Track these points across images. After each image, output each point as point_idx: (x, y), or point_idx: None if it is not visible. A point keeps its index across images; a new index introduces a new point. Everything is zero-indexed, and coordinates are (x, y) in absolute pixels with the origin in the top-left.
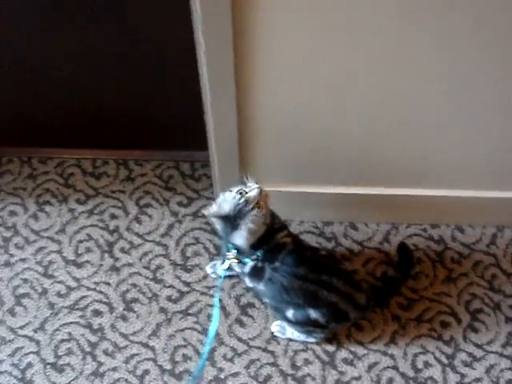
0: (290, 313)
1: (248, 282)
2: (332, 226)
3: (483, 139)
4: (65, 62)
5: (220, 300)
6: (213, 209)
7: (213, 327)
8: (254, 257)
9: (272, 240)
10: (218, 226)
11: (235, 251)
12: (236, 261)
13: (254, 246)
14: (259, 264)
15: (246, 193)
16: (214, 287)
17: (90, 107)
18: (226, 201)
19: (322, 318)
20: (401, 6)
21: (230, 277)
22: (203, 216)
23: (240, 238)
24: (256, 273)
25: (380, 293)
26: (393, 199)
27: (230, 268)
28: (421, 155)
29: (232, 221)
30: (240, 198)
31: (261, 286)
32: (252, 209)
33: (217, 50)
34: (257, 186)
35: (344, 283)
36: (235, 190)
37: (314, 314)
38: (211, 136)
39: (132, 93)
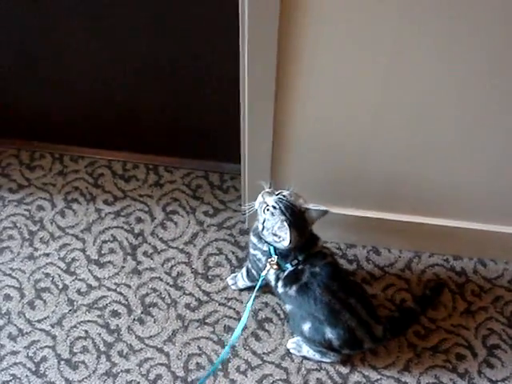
0: (306, 326)
1: (279, 287)
2: (355, 249)
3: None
4: (104, 63)
5: (237, 312)
6: (286, 240)
7: (237, 332)
8: (295, 262)
9: (314, 246)
10: (298, 242)
11: (276, 257)
12: (276, 266)
13: (298, 249)
14: (300, 267)
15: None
16: (233, 299)
17: (125, 110)
18: (276, 223)
19: (337, 341)
20: (452, 25)
21: (248, 289)
22: (228, 228)
23: (311, 212)
24: (294, 276)
25: (396, 323)
26: (417, 227)
27: (250, 276)
28: (448, 186)
29: (297, 219)
30: (274, 207)
31: (292, 291)
32: (284, 196)
33: (260, 61)
34: (258, 198)
35: (367, 313)
36: (264, 216)
37: (330, 334)
38: (244, 148)
39: (168, 99)
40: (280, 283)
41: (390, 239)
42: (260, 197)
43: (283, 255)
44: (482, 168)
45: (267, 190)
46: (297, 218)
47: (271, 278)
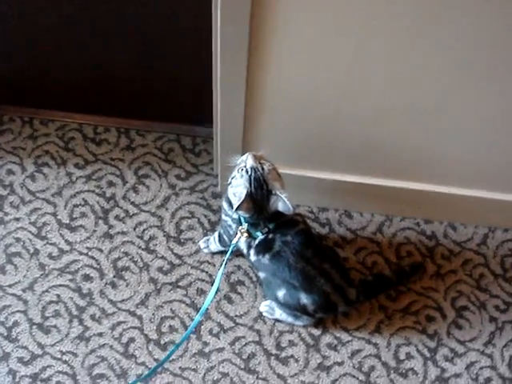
0: (281, 292)
1: (251, 255)
2: (327, 213)
3: (485, 140)
4: (73, 24)
5: (210, 275)
6: (235, 202)
7: (210, 296)
8: (266, 230)
9: (285, 215)
10: (248, 213)
11: (246, 225)
12: (247, 234)
13: (268, 218)
14: (270, 236)
15: (245, 165)
16: (205, 262)
17: (96, 73)
18: (239, 185)
19: (312, 306)
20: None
21: (221, 253)
22: (200, 191)
23: (279, 201)
24: (265, 244)
25: (369, 287)
26: (389, 191)
27: (222, 240)
28: (422, 150)
29: (259, 195)
30: (246, 171)
31: (265, 260)
32: (263, 168)
33: (232, 20)
34: (245, 155)
35: (340, 277)
36: (235, 173)
37: (304, 299)
38: (217, 111)
39: (139, 61)
40: (252, 251)
41: (362, 203)
42: (246, 155)
43: (253, 223)
44: (456, 132)
45: (259, 153)
46: (259, 194)
47: (243, 246)
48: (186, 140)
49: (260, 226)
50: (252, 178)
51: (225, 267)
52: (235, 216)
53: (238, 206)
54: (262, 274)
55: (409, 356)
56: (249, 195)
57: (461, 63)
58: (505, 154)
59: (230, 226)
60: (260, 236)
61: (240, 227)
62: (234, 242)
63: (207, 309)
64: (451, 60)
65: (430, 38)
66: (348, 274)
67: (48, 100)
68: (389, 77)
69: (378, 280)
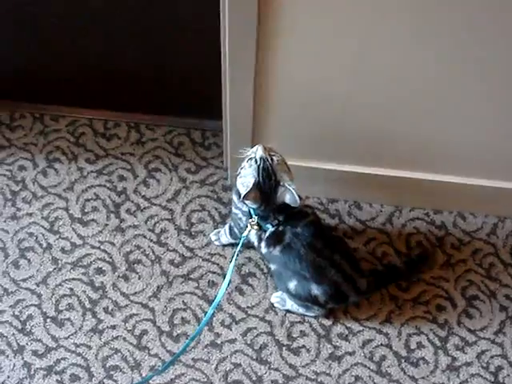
0: (292, 284)
1: (262, 248)
2: (337, 204)
3: (494, 128)
4: (82, 22)
5: (221, 267)
6: (242, 191)
7: (222, 290)
8: (276, 222)
9: (294, 207)
10: (255, 203)
11: (256, 217)
12: (257, 227)
13: (277, 210)
14: (280, 228)
15: (255, 155)
16: (216, 254)
17: (105, 69)
18: (247, 175)
19: (323, 297)
20: None
21: (232, 245)
22: (210, 184)
23: (286, 193)
24: (276, 237)
25: (380, 277)
26: (398, 181)
27: (232, 233)
28: (431, 140)
29: (267, 185)
30: (255, 161)
31: (276, 251)
32: (272, 159)
33: (240, 8)
34: (255, 147)
35: (351, 267)
36: (244, 163)
37: (316, 290)
38: (226, 104)
39: (148, 56)
40: (263, 244)
41: (371, 194)
42: (256, 146)
43: (263, 216)
44: (463, 122)
45: (269, 145)
46: (267, 184)
47: (253, 238)
48: (195, 134)
49: (270, 218)
50: (260, 168)
51: (236, 259)
52: (245, 209)
53: (245, 195)
54: (273, 266)
55: (420, 345)
56: (256, 185)
57: (469, 52)
58: None
59: (240, 218)
60: (270, 228)
61: (250, 220)
62: (244, 234)
63: (219, 301)
64: (463, 49)
65: (436, 27)
66: (358, 265)
67: (58, 96)
68: (397, 67)
69: (389, 270)
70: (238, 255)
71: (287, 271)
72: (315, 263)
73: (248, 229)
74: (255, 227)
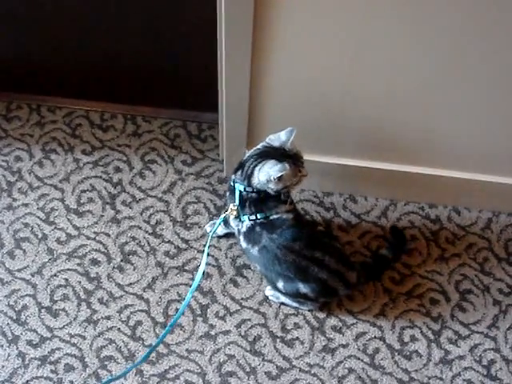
0: (280, 284)
1: (242, 241)
2: (332, 197)
3: (490, 123)
4: (80, 13)
5: (216, 259)
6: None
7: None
8: (253, 217)
9: (276, 208)
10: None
11: (237, 204)
12: (235, 213)
13: (257, 206)
14: (257, 228)
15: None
16: (211, 246)
17: (102, 60)
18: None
19: (312, 293)
20: None
21: (227, 237)
22: (206, 176)
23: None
24: (253, 235)
25: (369, 269)
26: (393, 175)
27: (227, 223)
28: (426, 134)
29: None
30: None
31: (254, 251)
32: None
33: (237, 7)
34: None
35: (336, 261)
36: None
37: (303, 288)
38: (222, 96)
39: (145, 48)
40: (241, 237)
41: (366, 187)
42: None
43: (243, 205)
44: (459, 115)
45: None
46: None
47: (233, 226)
48: (191, 126)
49: (250, 209)
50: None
51: (211, 240)
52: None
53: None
54: (258, 266)
55: (413, 338)
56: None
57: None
58: (509, 139)
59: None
60: (246, 221)
61: (231, 204)
62: (222, 216)
63: (213, 292)
64: (455, 47)
65: (435, 21)
66: (347, 258)
67: (55, 87)
68: (392, 62)
69: (377, 260)
70: (232, 244)
71: (271, 273)
72: (295, 264)
73: (228, 211)
74: (234, 213)
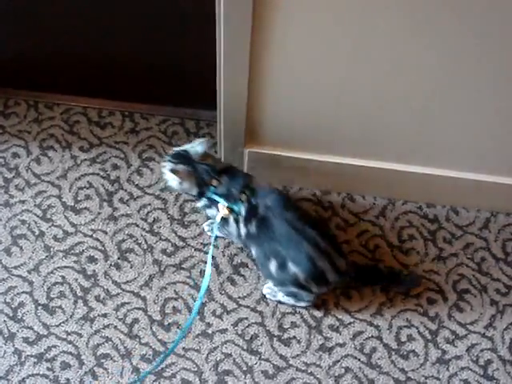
0: (273, 266)
1: (241, 230)
2: (330, 196)
3: (486, 123)
4: (77, 10)
5: (213, 257)
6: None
7: (205, 282)
8: (244, 197)
9: (251, 182)
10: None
11: (223, 201)
12: (228, 211)
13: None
14: (253, 202)
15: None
16: (208, 244)
17: (100, 57)
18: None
19: (302, 274)
20: None
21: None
22: None
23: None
24: (251, 211)
25: (364, 273)
26: (392, 174)
27: (224, 226)
28: (424, 134)
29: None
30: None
31: (253, 228)
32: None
33: (236, 3)
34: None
35: (327, 243)
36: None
37: (293, 267)
38: (220, 94)
39: (143, 45)
40: (241, 225)
41: (364, 186)
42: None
43: (225, 195)
44: (456, 116)
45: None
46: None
47: (232, 227)
48: (189, 123)
49: (233, 195)
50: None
51: (214, 244)
52: (203, 203)
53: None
54: (253, 250)
55: (410, 338)
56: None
57: (461, 51)
58: (507, 139)
59: (212, 215)
60: (242, 207)
61: (219, 205)
62: (217, 219)
63: (210, 290)
64: (452, 47)
65: (434, 20)
66: (337, 244)
67: (53, 84)
68: (389, 61)
69: (371, 268)
70: (230, 243)
71: (265, 250)
72: (288, 236)
73: (220, 214)
74: (226, 211)
